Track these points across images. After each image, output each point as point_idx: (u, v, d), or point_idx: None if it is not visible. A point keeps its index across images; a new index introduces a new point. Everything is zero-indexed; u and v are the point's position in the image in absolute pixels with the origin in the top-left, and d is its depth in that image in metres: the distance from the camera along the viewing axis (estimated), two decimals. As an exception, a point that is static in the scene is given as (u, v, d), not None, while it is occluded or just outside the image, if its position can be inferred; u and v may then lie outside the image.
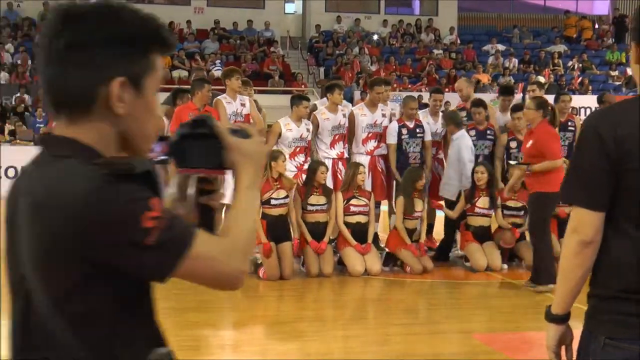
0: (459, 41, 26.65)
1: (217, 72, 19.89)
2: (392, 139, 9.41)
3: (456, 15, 28.01)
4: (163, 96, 9.48)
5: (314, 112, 9.49)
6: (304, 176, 8.76)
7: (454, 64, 24.43)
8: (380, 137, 9.51)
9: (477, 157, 9.28)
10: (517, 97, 17.07)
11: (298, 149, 9.11)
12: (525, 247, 8.77)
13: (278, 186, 8.21)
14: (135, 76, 1.57)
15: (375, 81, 9.91)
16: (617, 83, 23.43)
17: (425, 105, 10.73)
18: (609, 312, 2.31)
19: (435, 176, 9.68)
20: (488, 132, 9.48)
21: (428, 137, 9.57)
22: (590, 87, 23.22)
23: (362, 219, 8.62)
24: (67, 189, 1.47)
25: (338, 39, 25.36)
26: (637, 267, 2.26)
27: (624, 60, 24.41)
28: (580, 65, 25.01)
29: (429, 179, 9.39)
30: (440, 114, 9.90)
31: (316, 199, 8.50)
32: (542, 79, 20.48)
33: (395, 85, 20.43)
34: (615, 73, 24.38)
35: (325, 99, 10.31)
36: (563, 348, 2.49)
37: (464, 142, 9.12)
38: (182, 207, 1.69)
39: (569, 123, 9.65)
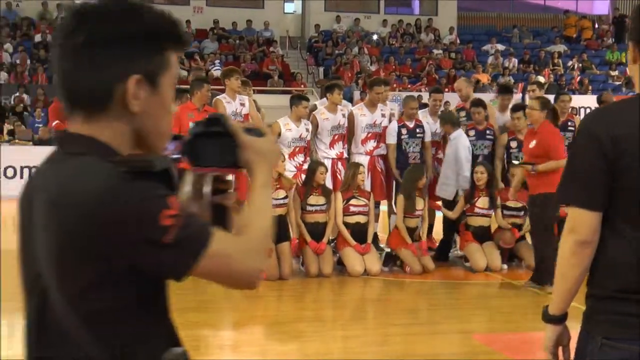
0: (458, 41, 26.65)
1: (216, 72, 19.90)
2: (391, 139, 9.40)
3: (456, 15, 28.01)
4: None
5: (314, 112, 9.49)
6: (303, 176, 8.75)
7: (454, 63, 24.43)
8: (380, 137, 9.50)
9: (476, 157, 9.27)
10: (517, 97, 17.08)
11: (297, 149, 9.11)
12: (525, 247, 8.76)
13: (277, 186, 8.20)
14: (151, 73, 1.57)
15: (375, 81, 9.91)
16: (617, 83, 23.44)
17: (425, 105, 10.72)
18: (606, 312, 2.30)
19: (435, 176, 9.67)
20: (487, 132, 9.47)
21: (428, 138, 9.57)
22: (590, 87, 23.23)
23: (361, 219, 8.61)
24: (83, 187, 1.46)
25: (337, 38, 25.36)
26: (634, 267, 2.26)
27: (624, 60, 24.42)
28: (580, 65, 25.02)
29: (430, 179, 9.38)
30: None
31: (315, 200, 8.49)
32: (541, 79, 20.50)
33: (394, 85, 20.43)
34: (615, 73, 24.39)
35: (324, 99, 10.31)
36: (560, 349, 2.48)
37: (461, 142, 9.11)
38: (197, 206, 1.68)
39: (569, 123, 9.64)
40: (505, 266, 8.92)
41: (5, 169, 15.37)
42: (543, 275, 7.55)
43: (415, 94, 16.09)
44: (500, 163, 9.42)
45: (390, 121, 9.56)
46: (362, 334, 6.52)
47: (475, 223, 8.88)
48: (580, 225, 2.31)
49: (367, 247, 8.59)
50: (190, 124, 7.85)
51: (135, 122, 1.58)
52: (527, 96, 12.94)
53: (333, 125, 9.32)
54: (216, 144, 1.64)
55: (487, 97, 14.52)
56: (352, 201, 8.61)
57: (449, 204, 9.12)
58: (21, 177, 15.39)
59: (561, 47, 26.18)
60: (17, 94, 19.82)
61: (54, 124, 17.45)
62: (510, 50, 25.66)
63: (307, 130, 9.18)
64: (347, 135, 9.46)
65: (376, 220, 9.40)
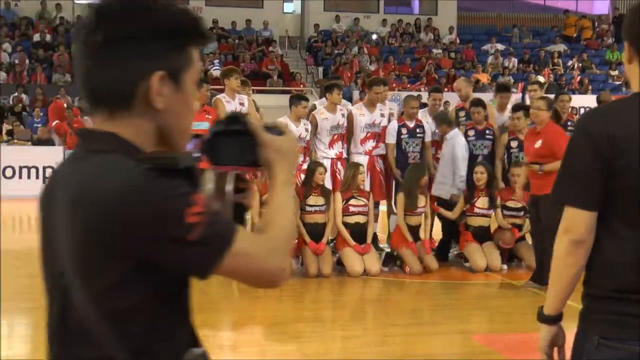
0: (458, 41, 26.65)
1: (215, 72, 19.90)
2: (391, 139, 9.39)
3: (455, 15, 28.03)
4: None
5: (313, 112, 9.49)
6: (302, 176, 8.74)
7: (453, 63, 24.43)
8: (379, 137, 9.49)
9: (476, 157, 9.26)
10: (517, 97, 17.08)
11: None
12: (525, 247, 8.76)
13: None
14: (174, 70, 1.56)
15: (374, 81, 9.90)
16: (617, 83, 23.45)
17: (425, 105, 10.72)
18: (603, 312, 2.30)
19: (432, 176, 9.65)
20: (487, 131, 9.46)
21: (428, 137, 9.56)
22: (590, 87, 23.24)
23: (361, 219, 8.61)
24: (106, 184, 1.45)
25: (337, 38, 25.36)
26: (630, 266, 2.25)
27: (623, 60, 24.41)
28: (580, 64, 25.02)
29: (432, 178, 9.36)
30: (438, 115, 9.89)
31: (315, 200, 8.48)
32: (541, 79, 20.49)
33: (394, 85, 20.43)
34: (615, 73, 24.39)
35: (324, 98, 10.30)
36: (555, 349, 2.47)
37: (457, 141, 9.09)
38: (219, 204, 1.67)
39: (569, 123, 9.62)
40: (505, 266, 8.92)
41: (4, 169, 15.35)
42: (545, 275, 7.54)
43: (415, 93, 16.10)
44: (500, 163, 9.40)
45: (389, 121, 9.55)
46: (361, 334, 6.52)
47: (475, 223, 8.88)
48: (575, 224, 2.30)
49: (366, 247, 8.58)
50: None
51: (159, 119, 1.57)
52: (527, 96, 12.94)
53: (332, 125, 9.31)
54: (236, 143, 1.63)
55: (487, 97, 14.50)
56: (352, 201, 8.60)
57: (445, 203, 9.11)
58: (20, 177, 15.38)
59: (561, 47, 26.19)
60: (16, 93, 19.81)
61: (53, 123, 17.47)
62: (510, 50, 25.67)
63: (307, 130, 9.17)
64: (347, 135, 9.46)
65: (375, 220, 9.39)
